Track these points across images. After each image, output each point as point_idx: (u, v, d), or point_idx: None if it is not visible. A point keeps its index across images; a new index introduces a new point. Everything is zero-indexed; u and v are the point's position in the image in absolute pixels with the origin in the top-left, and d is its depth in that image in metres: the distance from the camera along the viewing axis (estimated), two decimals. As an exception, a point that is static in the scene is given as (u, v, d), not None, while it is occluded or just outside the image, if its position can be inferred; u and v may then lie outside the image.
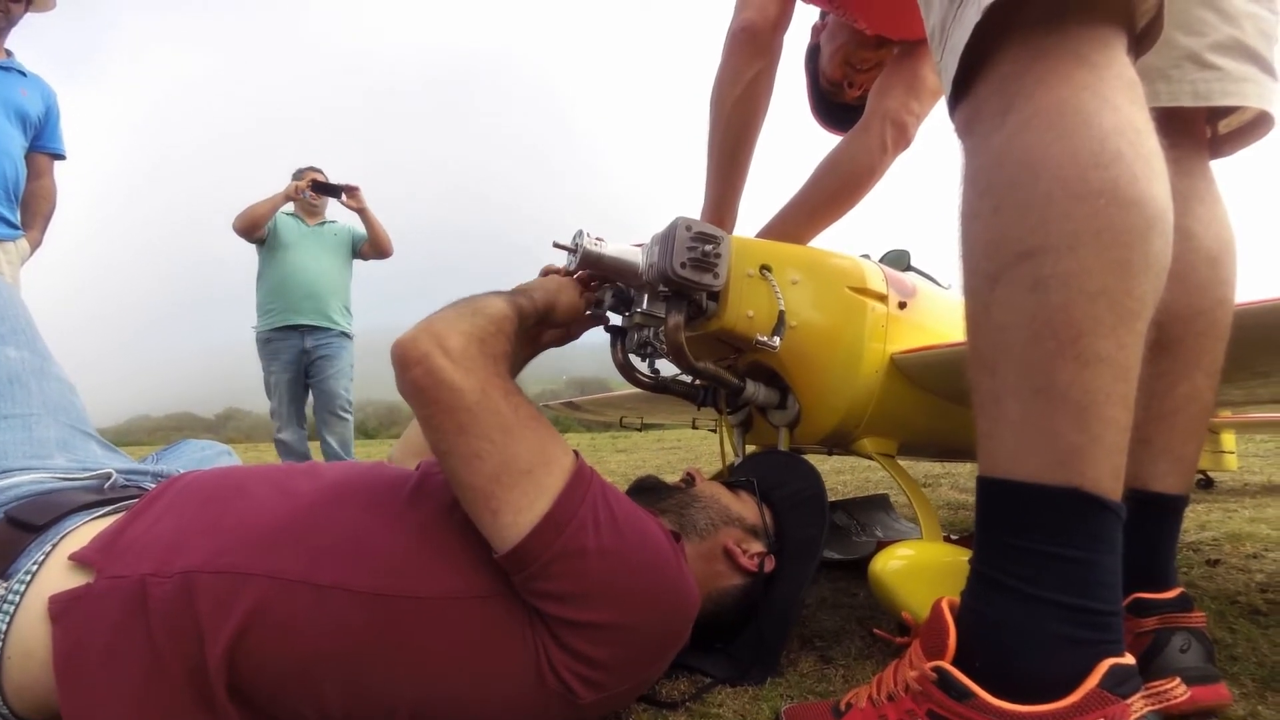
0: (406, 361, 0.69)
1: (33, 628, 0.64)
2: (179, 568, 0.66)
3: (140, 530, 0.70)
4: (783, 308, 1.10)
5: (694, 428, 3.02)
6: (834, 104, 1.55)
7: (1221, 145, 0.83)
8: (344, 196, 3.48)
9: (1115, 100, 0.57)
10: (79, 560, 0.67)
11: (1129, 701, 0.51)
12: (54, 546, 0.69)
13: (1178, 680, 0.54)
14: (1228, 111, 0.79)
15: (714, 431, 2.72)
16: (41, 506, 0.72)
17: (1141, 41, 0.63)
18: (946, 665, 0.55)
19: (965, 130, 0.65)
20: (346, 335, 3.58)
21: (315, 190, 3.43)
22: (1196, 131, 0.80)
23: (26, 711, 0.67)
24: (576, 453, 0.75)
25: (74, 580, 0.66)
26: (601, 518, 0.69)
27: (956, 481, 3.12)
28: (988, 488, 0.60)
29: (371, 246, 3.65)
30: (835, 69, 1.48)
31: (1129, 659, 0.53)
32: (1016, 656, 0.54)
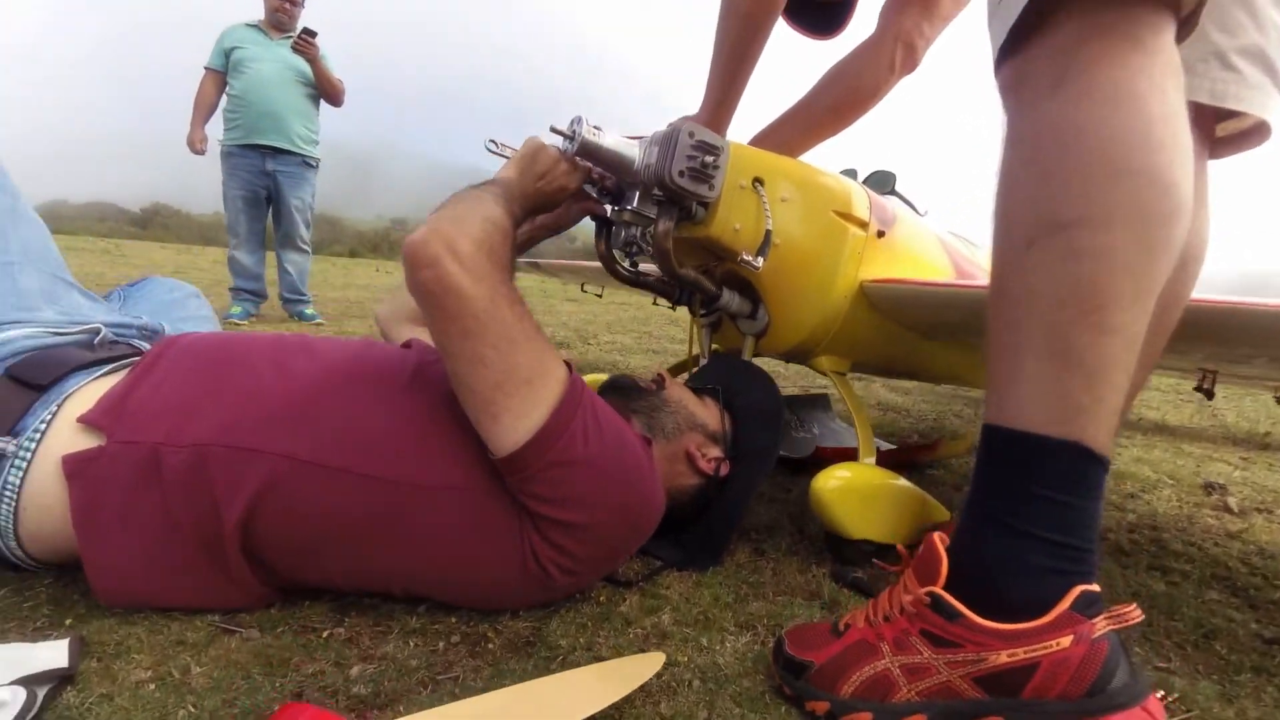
0: (417, 263, 0.69)
1: (46, 483, 0.68)
2: (190, 439, 0.69)
3: (145, 395, 0.72)
4: (770, 228, 1.11)
5: (654, 304, 3.07)
6: None
7: (1215, 148, 0.85)
8: (296, 39, 3.34)
9: (1165, 86, 0.59)
10: (87, 422, 0.70)
11: (1094, 621, 0.60)
12: (59, 407, 0.71)
13: (1134, 605, 0.63)
14: (1229, 115, 0.81)
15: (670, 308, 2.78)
16: (41, 364, 0.73)
17: (1180, 29, 0.63)
18: (939, 590, 0.64)
19: (1010, 89, 0.66)
20: (309, 163, 3.47)
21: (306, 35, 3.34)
22: (1205, 129, 0.82)
23: (42, 555, 0.73)
24: (569, 364, 0.79)
25: (83, 442, 0.69)
26: (589, 430, 0.75)
27: (889, 381, 3.30)
28: (994, 433, 0.65)
29: (320, 92, 3.52)
30: None
31: (1096, 587, 0.62)
32: (1003, 583, 0.62)
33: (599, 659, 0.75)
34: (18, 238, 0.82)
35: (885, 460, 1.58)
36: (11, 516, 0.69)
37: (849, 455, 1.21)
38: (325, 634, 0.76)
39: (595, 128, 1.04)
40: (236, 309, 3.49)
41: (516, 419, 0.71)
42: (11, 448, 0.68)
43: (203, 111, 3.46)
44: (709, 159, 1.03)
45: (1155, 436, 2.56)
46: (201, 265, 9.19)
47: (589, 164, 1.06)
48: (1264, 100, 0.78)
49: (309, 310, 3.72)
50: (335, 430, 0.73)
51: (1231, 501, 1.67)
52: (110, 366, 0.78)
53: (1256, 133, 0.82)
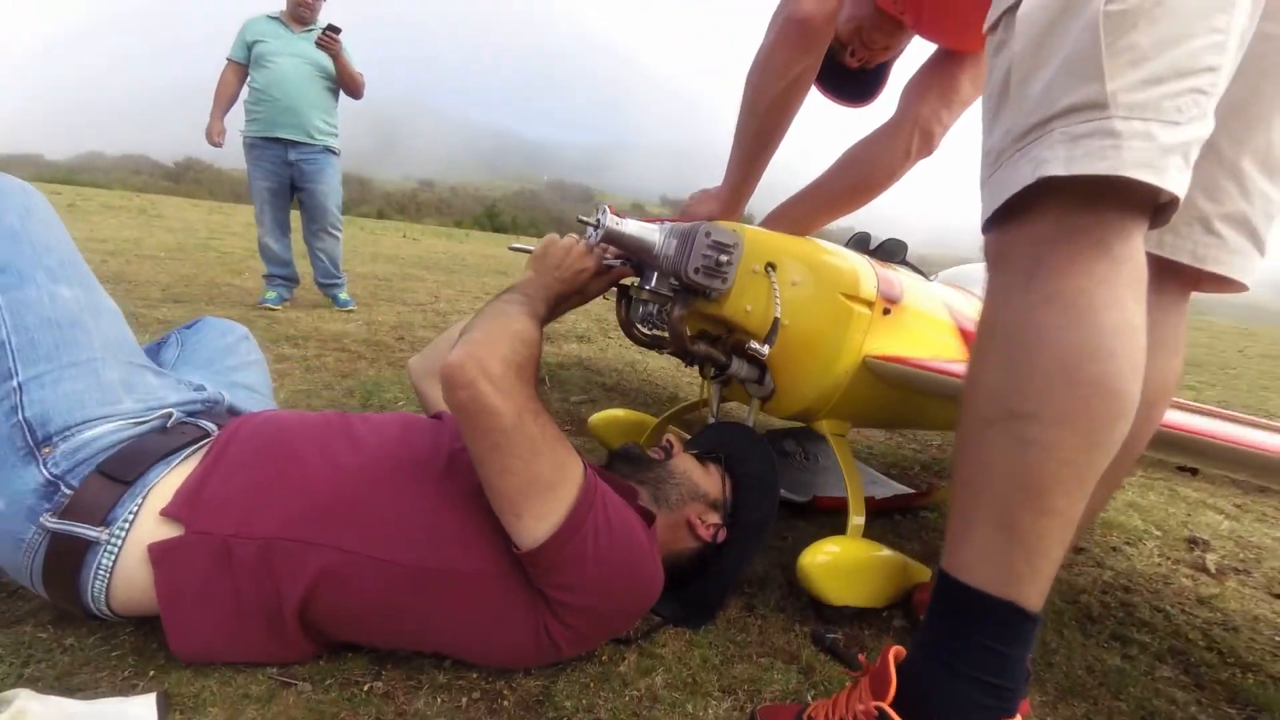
0: (454, 384, 0.80)
1: (135, 569, 0.82)
2: (259, 533, 0.82)
3: (216, 487, 0.85)
4: (778, 314, 1.20)
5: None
6: (827, 60, 1.54)
7: (1200, 282, 0.89)
8: (321, 35, 3.43)
9: (1123, 298, 0.67)
10: (168, 515, 0.83)
11: None
12: (144, 499, 0.84)
13: None
14: None
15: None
16: (126, 460, 0.86)
17: (1156, 217, 0.70)
18: (886, 707, 0.74)
19: (992, 262, 0.74)
20: (331, 151, 3.56)
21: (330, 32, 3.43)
22: (1185, 280, 0.88)
23: (126, 614, 0.87)
24: (586, 463, 0.90)
25: (165, 531, 0.83)
26: (600, 529, 0.86)
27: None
28: (946, 580, 0.75)
29: (341, 86, 3.63)
30: (846, 33, 1.45)
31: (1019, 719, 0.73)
32: (940, 710, 0.73)
33: (598, 721, 0.88)
34: (99, 332, 0.92)
35: (879, 508, 1.68)
36: (104, 590, 0.83)
37: (844, 505, 1.32)
38: (366, 687, 0.88)
39: (618, 216, 1.14)
40: (271, 294, 3.64)
41: (537, 520, 0.82)
42: (104, 536, 0.82)
43: (223, 103, 3.51)
44: (723, 258, 1.12)
45: (1156, 473, 2.60)
46: (234, 229, 9.38)
47: (604, 245, 1.16)
48: (1244, 264, 0.84)
49: (343, 295, 3.86)
50: (379, 523, 0.86)
51: (1210, 561, 1.74)
52: (185, 454, 0.90)
53: (1234, 283, 0.87)
